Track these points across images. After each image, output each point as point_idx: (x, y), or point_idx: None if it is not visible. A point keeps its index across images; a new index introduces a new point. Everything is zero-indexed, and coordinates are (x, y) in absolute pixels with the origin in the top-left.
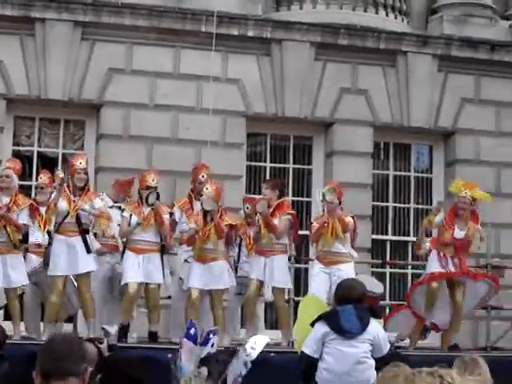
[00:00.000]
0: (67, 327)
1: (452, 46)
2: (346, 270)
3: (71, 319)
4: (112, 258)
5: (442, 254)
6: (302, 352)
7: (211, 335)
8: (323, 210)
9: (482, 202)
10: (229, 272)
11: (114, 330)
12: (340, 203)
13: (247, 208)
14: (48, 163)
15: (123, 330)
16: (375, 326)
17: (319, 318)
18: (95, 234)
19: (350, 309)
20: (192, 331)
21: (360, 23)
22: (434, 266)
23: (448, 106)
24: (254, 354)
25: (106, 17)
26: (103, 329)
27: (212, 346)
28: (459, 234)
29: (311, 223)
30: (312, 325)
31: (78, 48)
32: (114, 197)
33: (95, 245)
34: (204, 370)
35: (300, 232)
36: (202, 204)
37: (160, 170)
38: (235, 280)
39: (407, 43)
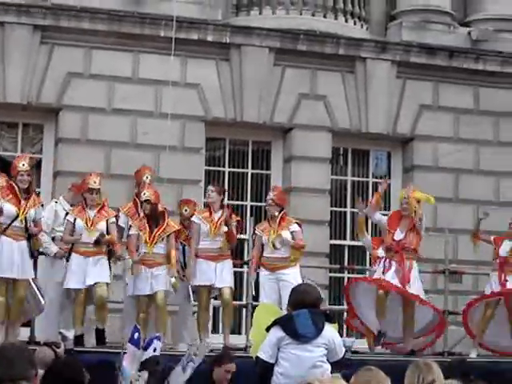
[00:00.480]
0: (24, 331)
1: (411, 53)
2: (292, 275)
3: (29, 323)
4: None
5: (387, 261)
6: (257, 357)
7: (154, 340)
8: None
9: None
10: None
11: (71, 334)
12: (283, 209)
13: (185, 210)
14: (6, 167)
15: (79, 340)
16: (330, 331)
17: (274, 323)
18: (53, 238)
19: (304, 313)
20: (136, 336)
21: (319, 29)
22: (377, 273)
23: (406, 112)
24: (197, 361)
25: (65, 21)
26: (60, 333)
27: (154, 350)
28: (399, 235)
29: (254, 230)
30: (267, 330)
31: (37, 52)
32: (72, 200)
33: (53, 249)
34: (144, 374)
35: None
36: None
37: (118, 174)
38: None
39: (366, 49)
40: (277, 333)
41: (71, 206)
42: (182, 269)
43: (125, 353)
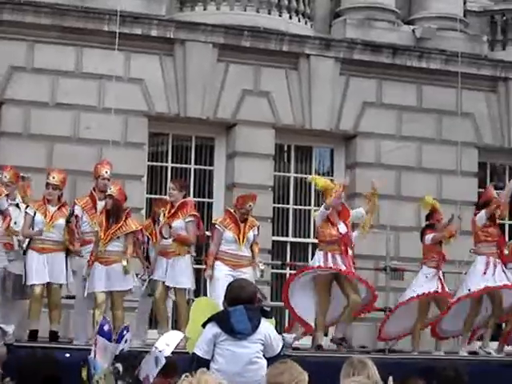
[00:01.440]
0: None
1: (354, 50)
2: (250, 273)
3: None
4: (6, 257)
5: (328, 254)
6: (193, 353)
7: (125, 331)
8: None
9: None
10: (132, 273)
11: (11, 328)
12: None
13: (163, 210)
14: None
15: (33, 334)
16: (266, 327)
17: (210, 319)
18: None
19: (240, 309)
20: (106, 328)
21: (263, 25)
22: (316, 261)
23: (350, 109)
24: (168, 351)
25: (7, 14)
26: (0, 328)
27: (126, 342)
28: (343, 229)
29: (213, 224)
30: (203, 326)
31: None
32: (10, 195)
33: None
34: (119, 367)
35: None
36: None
37: (60, 169)
38: (146, 281)
39: (310, 46)
40: (212, 329)
41: (12, 200)
42: (147, 260)
43: (94, 346)
